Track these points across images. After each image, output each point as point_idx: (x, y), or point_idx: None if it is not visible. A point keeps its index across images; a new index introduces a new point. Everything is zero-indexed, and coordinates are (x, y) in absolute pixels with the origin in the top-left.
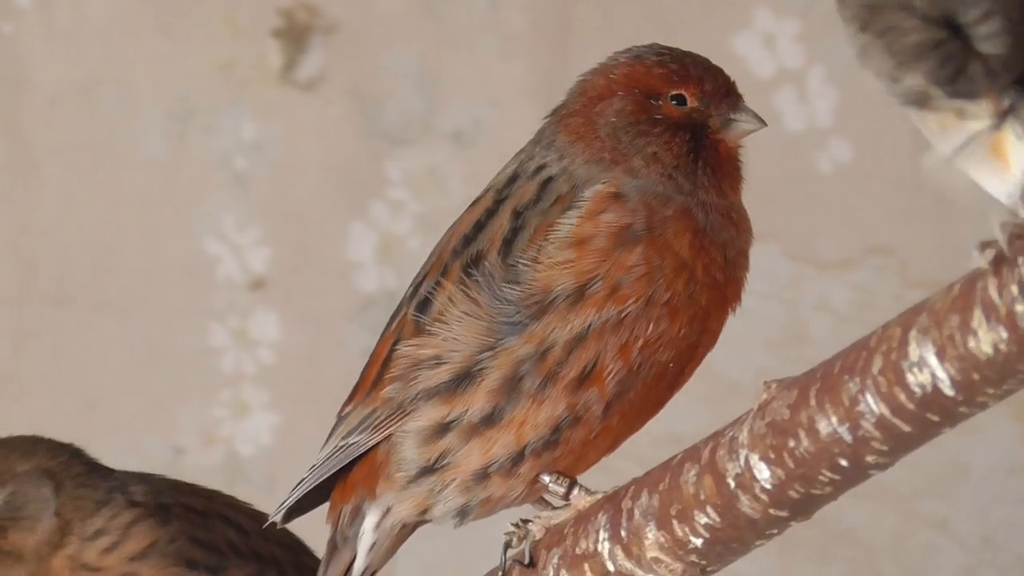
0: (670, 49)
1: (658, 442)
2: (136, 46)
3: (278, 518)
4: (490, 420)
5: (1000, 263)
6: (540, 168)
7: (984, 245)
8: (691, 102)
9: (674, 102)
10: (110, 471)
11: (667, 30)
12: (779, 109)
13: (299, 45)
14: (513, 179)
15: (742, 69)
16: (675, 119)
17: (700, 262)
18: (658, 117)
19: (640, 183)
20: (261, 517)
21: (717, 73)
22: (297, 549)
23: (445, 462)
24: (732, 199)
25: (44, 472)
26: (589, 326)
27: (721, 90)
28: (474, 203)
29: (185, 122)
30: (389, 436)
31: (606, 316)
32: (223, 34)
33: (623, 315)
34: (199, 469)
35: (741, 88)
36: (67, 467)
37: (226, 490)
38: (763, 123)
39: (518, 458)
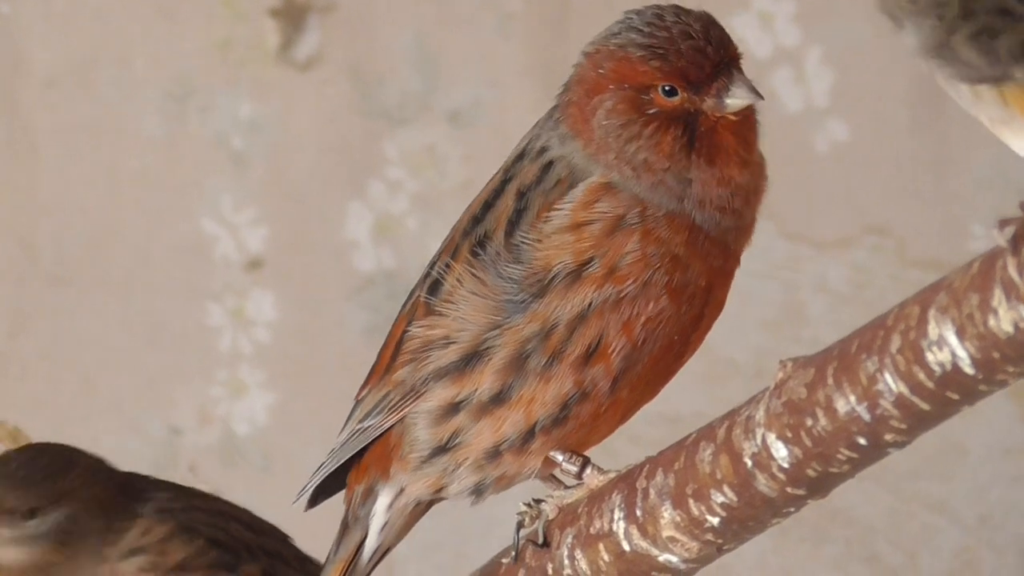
0: (656, 28)
1: (655, 422)
2: (133, 26)
3: (302, 503)
4: (499, 399)
5: (1019, 241)
6: (543, 150)
7: (1004, 223)
8: (681, 91)
9: (665, 92)
10: (139, 489)
11: None
12: (776, 89)
13: (296, 24)
14: (520, 157)
15: (740, 49)
16: (669, 110)
17: (697, 257)
18: (651, 111)
19: (634, 185)
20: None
21: (704, 53)
22: (291, 544)
23: (457, 441)
24: (740, 179)
25: (100, 504)
26: (589, 304)
27: (709, 73)
28: (488, 182)
29: (182, 102)
30: (403, 418)
31: (605, 295)
32: (220, 14)
33: (622, 295)
34: (196, 448)
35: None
36: (114, 499)
37: (222, 469)
38: (758, 95)
39: (528, 436)
